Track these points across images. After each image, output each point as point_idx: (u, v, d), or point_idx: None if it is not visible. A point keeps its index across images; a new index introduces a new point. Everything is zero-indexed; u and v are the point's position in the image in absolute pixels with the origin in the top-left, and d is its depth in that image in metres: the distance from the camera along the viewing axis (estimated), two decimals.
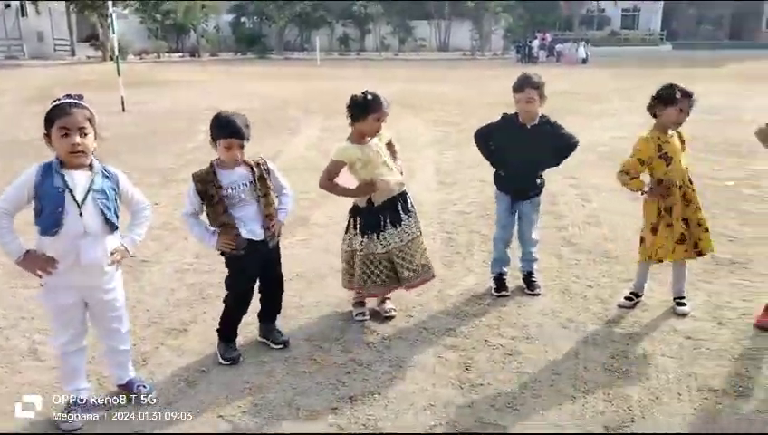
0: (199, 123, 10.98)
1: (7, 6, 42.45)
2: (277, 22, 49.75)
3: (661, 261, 3.82)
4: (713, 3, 51.32)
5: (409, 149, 8.81)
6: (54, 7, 42.12)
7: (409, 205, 3.73)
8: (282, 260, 3.43)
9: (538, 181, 4.11)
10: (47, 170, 2.57)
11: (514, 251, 4.32)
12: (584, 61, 33.45)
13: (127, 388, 2.97)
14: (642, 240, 3.87)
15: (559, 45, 38.20)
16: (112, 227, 2.68)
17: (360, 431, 2.75)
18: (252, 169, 3.16)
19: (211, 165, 3.14)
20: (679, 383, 3.08)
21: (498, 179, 4.18)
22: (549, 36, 40.67)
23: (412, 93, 17.30)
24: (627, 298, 3.96)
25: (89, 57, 40.07)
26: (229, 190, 3.11)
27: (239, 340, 3.42)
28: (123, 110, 13.85)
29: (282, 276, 3.45)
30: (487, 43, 50.28)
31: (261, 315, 3.52)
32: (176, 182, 7.28)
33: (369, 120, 3.50)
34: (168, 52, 46.32)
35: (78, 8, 40.08)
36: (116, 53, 15.56)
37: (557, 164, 4.16)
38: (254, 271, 3.29)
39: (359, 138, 3.57)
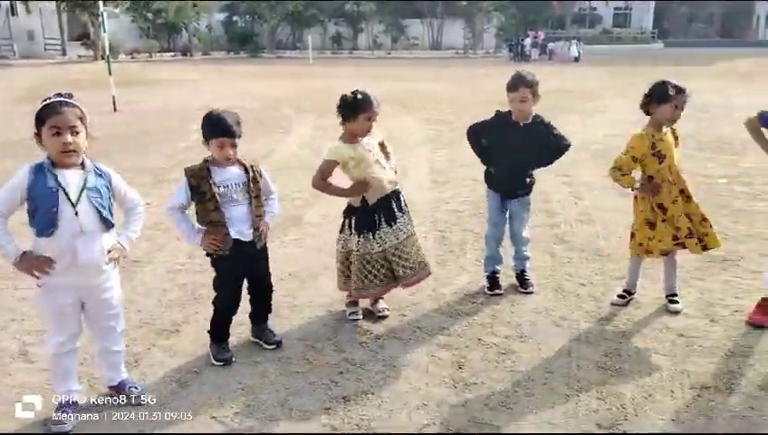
0: (191, 123, 10.94)
1: None
2: (269, 21, 49.69)
3: (651, 253, 3.80)
4: (704, 2, 51.63)
5: (402, 147, 8.80)
6: (45, 6, 41.91)
7: (403, 203, 3.73)
8: (270, 261, 3.41)
9: (528, 180, 4.11)
10: (39, 171, 2.55)
11: (507, 250, 4.32)
12: (576, 59, 33.60)
13: (119, 389, 2.95)
14: (633, 235, 3.87)
15: (551, 44, 38.34)
16: (108, 225, 2.67)
17: (354, 431, 2.74)
18: (246, 169, 3.16)
19: (205, 161, 3.14)
20: (672, 381, 3.08)
21: (489, 177, 4.18)
22: (541, 35, 40.77)
23: (405, 92, 17.29)
24: (619, 296, 3.96)
25: (80, 56, 39.88)
26: (222, 188, 3.10)
27: (231, 340, 3.41)
28: (114, 109, 13.79)
29: (270, 277, 3.43)
30: (480, 41, 50.43)
31: (252, 316, 3.50)
32: (167, 182, 7.22)
33: (360, 120, 3.49)
34: (159, 51, 46.22)
35: (69, 7, 39.93)
36: (107, 52, 15.47)
37: (547, 165, 4.16)
38: (241, 272, 3.28)
39: (350, 137, 3.56)
